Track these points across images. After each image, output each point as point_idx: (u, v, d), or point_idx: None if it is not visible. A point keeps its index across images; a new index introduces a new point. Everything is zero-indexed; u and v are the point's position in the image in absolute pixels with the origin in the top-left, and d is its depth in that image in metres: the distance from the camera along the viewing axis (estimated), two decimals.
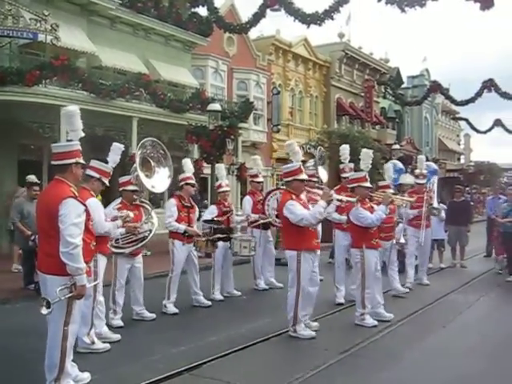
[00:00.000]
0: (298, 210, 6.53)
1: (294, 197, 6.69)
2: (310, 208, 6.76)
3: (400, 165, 12.09)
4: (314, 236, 6.83)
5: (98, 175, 6.27)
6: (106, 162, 6.54)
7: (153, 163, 7.52)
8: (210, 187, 16.55)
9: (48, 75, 13.73)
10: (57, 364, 4.64)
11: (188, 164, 8.67)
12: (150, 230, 7.28)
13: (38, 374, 4.83)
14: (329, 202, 6.83)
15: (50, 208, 4.58)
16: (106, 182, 6.39)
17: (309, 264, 6.70)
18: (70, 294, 4.54)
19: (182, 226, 8.14)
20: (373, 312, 7.58)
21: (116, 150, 6.69)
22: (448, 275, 12.28)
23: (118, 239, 6.99)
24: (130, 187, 7.42)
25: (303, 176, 6.87)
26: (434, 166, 12.19)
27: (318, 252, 7.01)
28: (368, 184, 7.44)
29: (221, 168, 10.10)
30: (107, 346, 6.21)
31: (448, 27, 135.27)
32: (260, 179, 10.48)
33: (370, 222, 7.24)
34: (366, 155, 7.98)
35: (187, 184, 8.41)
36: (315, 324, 7.16)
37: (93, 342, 6.08)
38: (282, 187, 10.08)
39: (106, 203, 7.14)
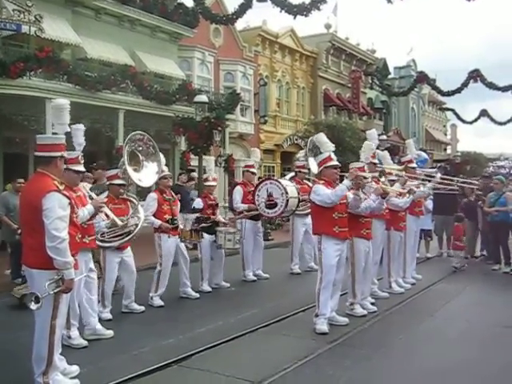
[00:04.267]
0: (321, 191, 6.65)
1: (322, 183, 6.78)
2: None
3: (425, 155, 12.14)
4: (338, 223, 6.72)
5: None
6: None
7: (141, 157, 7.45)
8: (197, 179, 16.48)
9: (32, 67, 13.61)
10: (44, 357, 4.62)
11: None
12: (137, 224, 7.24)
13: (26, 367, 4.81)
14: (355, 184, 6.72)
15: (33, 201, 4.53)
16: (79, 168, 5.82)
17: (333, 249, 6.68)
18: (59, 289, 4.51)
19: (158, 221, 8.10)
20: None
21: (75, 132, 6.03)
22: (435, 264, 12.36)
23: (103, 233, 6.94)
24: (117, 181, 7.37)
25: (333, 162, 6.91)
26: (425, 155, 12.10)
27: (345, 241, 6.92)
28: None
29: (210, 161, 10.11)
30: (84, 342, 6.10)
31: (434, 18, 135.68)
32: (255, 170, 10.58)
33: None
34: (368, 147, 7.90)
35: (160, 178, 8.16)
36: (343, 319, 7.04)
37: (69, 337, 6.00)
38: (273, 178, 10.11)
39: None
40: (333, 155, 7.03)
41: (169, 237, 8.20)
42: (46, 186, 4.55)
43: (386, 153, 9.72)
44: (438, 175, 9.90)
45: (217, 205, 9.41)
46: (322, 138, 7.23)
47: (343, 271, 7.01)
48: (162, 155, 8.00)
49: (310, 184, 10.72)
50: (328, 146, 7.08)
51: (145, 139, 7.56)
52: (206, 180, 9.50)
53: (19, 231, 8.53)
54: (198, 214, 8.91)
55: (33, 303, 4.34)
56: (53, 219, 4.43)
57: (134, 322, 7.24)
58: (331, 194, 6.59)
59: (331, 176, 6.91)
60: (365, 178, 7.01)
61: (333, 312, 6.89)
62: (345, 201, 6.86)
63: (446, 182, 10.30)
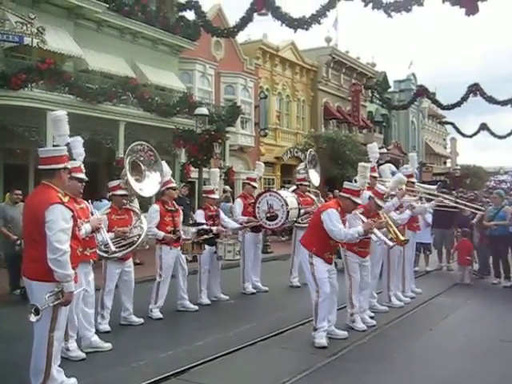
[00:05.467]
0: (335, 221, 6.56)
1: (339, 209, 6.71)
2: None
3: (393, 167, 12.07)
4: (330, 250, 6.78)
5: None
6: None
7: (143, 167, 7.49)
8: (197, 191, 16.52)
9: (34, 79, 13.67)
10: (42, 370, 4.61)
11: (165, 167, 8.56)
12: (140, 235, 7.25)
13: (23, 379, 4.79)
14: (367, 232, 6.76)
15: (36, 213, 4.54)
16: (81, 176, 6.01)
17: (323, 266, 6.68)
18: (58, 301, 4.51)
19: (161, 233, 8.11)
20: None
21: (75, 144, 6.19)
22: (434, 278, 12.34)
23: (107, 244, 6.95)
24: (120, 192, 7.39)
25: (358, 200, 6.86)
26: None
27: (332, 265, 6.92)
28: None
29: (215, 174, 10.15)
30: (82, 354, 6.07)
31: (434, 32, 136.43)
32: (256, 184, 10.61)
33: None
34: (364, 169, 7.53)
35: (168, 189, 8.37)
36: (342, 333, 7.01)
37: (67, 349, 5.97)
38: (272, 190, 10.13)
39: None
40: (366, 193, 7.19)
41: (170, 248, 8.20)
42: (49, 198, 4.55)
43: (387, 167, 9.73)
44: (443, 199, 9.89)
45: (217, 216, 9.41)
46: (364, 167, 7.36)
47: (336, 283, 6.95)
48: (165, 164, 8.09)
49: (313, 196, 10.78)
50: (363, 182, 7.23)
51: (145, 149, 7.60)
52: (212, 192, 9.48)
53: (18, 242, 8.55)
54: (199, 227, 8.87)
55: (32, 315, 4.33)
56: (55, 231, 4.43)
57: (132, 334, 7.22)
58: (342, 233, 6.53)
59: (350, 208, 6.86)
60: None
61: (332, 326, 6.87)
62: None
63: (449, 200, 10.26)
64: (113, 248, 6.83)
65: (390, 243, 7.35)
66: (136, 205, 7.70)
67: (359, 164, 7.76)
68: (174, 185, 8.53)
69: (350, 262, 7.44)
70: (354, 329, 7.30)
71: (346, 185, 6.97)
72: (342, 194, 6.94)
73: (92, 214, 6.33)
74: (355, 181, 7.59)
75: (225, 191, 16.73)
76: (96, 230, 6.17)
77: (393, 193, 8.22)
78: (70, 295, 4.58)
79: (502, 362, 6.26)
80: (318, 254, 6.66)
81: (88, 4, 16.65)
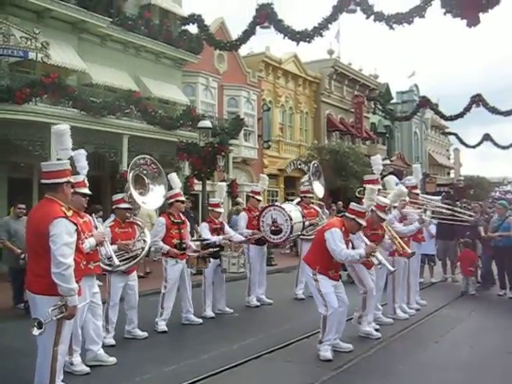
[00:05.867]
0: (338, 241, 6.55)
1: (343, 229, 6.71)
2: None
3: (395, 179, 12.06)
4: (334, 268, 6.77)
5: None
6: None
7: (147, 180, 7.51)
8: (200, 204, 16.52)
9: (38, 93, 13.73)
10: None
11: (175, 179, 8.63)
12: (143, 248, 7.26)
13: None
14: (368, 255, 6.76)
15: (40, 227, 4.54)
16: (84, 191, 6.10)
17: (327, 281, 6.67)
18: (62, 315, 4.49)
19: (166, 247, 8.12)
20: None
21: (78, 157, 6.25)
22: (439, 290, 12.29)
23: (110, 257, 6.95)
24: (123, 205, 7.41)
25: (363, 222, 6.82)
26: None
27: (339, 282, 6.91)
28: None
29: (221, 187, 10.16)
30: (86, 368, 6.05)
31: (436, 43, 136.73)
32: (260, 198, 10.62)
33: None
34: (371, 192, 7.40)
35: (177, 201, 8.41)
36: (347, 346, 6.97)
37: (71, 363, 5.95)
38: (276, 204, 10.12)
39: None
40: (377, 212, 7.24)
41: (176, 262, 8.19)
42: (53, 212, 4.56)
43: (391, 178, 9.73)
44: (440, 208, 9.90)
45: (221, 228, 9.40)
46: (371, 190, 7.35)
47: (345, 298, 6.91)
48: (175, 176, 8.16)
49: (317, 208, 10.78)
50: (373, 199, 7.23)
51: (148, 162, 7.63)
52: (218, 206, 9.47)
53: (23, 256, 8.55)
54: (204, 242, 8.86)
55: (35, 329, 4.32)
56: (60, 245, 4.43)
57: (136, 348, 7.20)
58: (343, 254, 6.51)
59: (354, 229, 6.85)
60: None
61: (337, 339, 6.84)
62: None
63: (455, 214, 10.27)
64: (116, 262, 6.84)
65: (391, 268, 7.42)
66: (140, 218, 7.72)
67: (367, 187, 7.72)
68: (182, 198, 8.55)
69: (360, 272, 7.49)
70: (357, 341, 7.26)
71: (353, 206, 6.93)
72: (347, 214, 6.90)
73: (96, 228, 6.35)
74: (358, 193, 7.60)
75: (237, 203, 16.79)
76: (100, 243, 6.19)
77: (395, 204, 8.23)
78: (74, 309, 4.57)
79: (509, 375, 6.22)
80: (322, 272, 6.66)
81: (92, 19, 16.77)
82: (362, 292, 7.55)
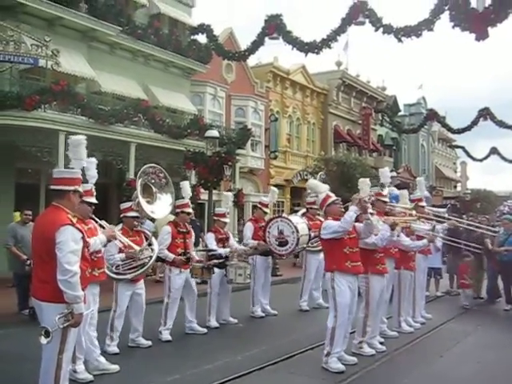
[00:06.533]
0: (330, 223, 6.71)
1: (330, 218, 6.87)
2: None
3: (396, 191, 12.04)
4: (350, 258, 6.70)
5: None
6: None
7: (154, 189, 7.52)
8: (206, 213, 16.52)
9: (47, 100, 13.85)
10: None
11: (186, 188, 8.66)
12: (151, 256, 7.26)
13: None
14: (362, 209, 6.68)
15: (46, 234, 4.54)
16: (91, 200, 6.19)
17: (346, 287, 6.64)
18: (68, 323, 4.48)
19: (171, 255, 8.12)
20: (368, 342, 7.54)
21: (88, 165, 6.22)
22: (445, 303, 12.21)
23: (118, 265, 6.95)
24: (131, 213, 7.44)
25: (332, 198, 7.02)
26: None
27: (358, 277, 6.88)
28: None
29: (228, 197, 10.17)
30: (89, 376, 6.04)
31: (444, 56, 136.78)
32: (267, 210, 10.60)
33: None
34: (364, 184, 7.50)
35: (183, 212, 8.44)
36: (352, 358, 6.93)
37: (75, 371, 5.93)
38: (283, 215, 10.11)
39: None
40: (330, 193, 7.15)
41: (180, 271, 8.18)
42: (60, 220, 4.57)
43: (405, 192, 9.74)
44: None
45: (227, 239, 9.39)
46: (312, 182, 7.53)
47: (355, 309, 6.92)
48: (187, 184, 8.30)
49: (323, 219, 10.74)
50: (322, 187, 7.25)
51: (156, 171, 7.65)
52: (223, 216, 9.47)
53: (28, 262, 8.57)
54: (210, 253, 8.86)
55: (43, 337, 4.31)
56: (66, 253, 4.43)
57: (140, 357, 7.18)
58: (342, 220, 6.58)
59: (336, 211, 6.95)
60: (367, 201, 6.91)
61: (341, 351, 6.80)
62: (355, 235, 6.86)
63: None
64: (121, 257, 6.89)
65: (380, 227, 7.26)
66: (147, 226, 7.74)
67: (359, 180, 7.82)
68: (189, 210, 8.57)
69: (372, 288, 7.46)
70: (362, 355, 7.22)
71: (319, 199, 7.25)
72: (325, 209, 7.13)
73: (102, 227, 6.35)
74: None
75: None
76: (111, 238, 6.19)
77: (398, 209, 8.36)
78: (80, 316, 4.55)
79: None
80: (340, 268, 6.63)
81: (102, 27, 16.93)
82: (364, 315, 7.46)
